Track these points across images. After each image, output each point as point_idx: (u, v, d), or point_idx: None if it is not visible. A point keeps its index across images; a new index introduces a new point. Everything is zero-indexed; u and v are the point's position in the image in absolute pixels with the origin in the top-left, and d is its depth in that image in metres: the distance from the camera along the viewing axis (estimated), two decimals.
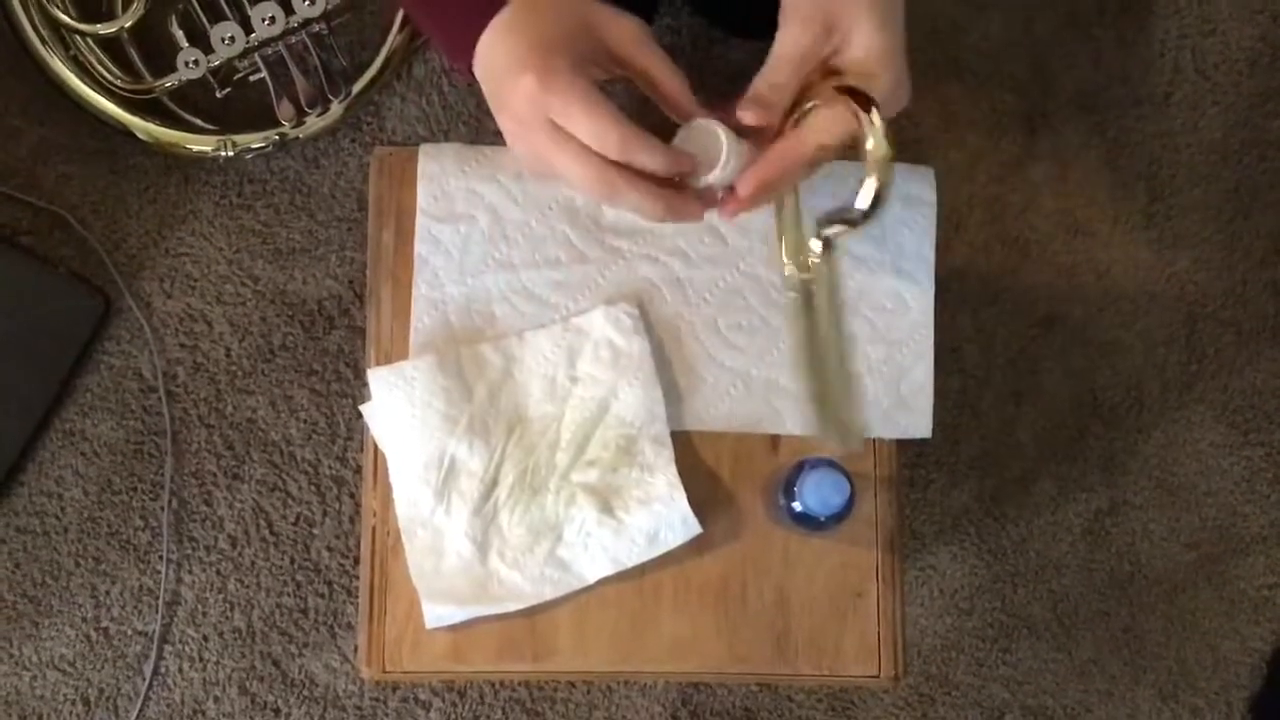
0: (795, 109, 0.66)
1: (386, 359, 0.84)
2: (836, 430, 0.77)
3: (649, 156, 0.62)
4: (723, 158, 0.64)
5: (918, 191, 0.87)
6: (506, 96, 0.63)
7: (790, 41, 0.65)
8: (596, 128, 0.60)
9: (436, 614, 0.81)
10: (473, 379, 0.83)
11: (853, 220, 0.66)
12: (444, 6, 0.67)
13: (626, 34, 0.64)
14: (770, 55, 0.66)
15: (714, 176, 0.65)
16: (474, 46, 0.64)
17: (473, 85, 0.66)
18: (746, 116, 0.65)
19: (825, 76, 0.66)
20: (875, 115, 0.62)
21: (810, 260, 0.71)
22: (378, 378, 0.82)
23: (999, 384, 1.37)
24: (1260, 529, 1.39)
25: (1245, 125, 1.41)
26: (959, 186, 1.37)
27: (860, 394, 0.84)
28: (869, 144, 0.63)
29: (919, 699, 1.35)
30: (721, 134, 0.64)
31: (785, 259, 0.74)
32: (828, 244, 0.70)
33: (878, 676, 0.84)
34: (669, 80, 0.65)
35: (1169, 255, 1.40)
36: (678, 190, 0.66)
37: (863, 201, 0.64)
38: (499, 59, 0.63)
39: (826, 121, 0.64)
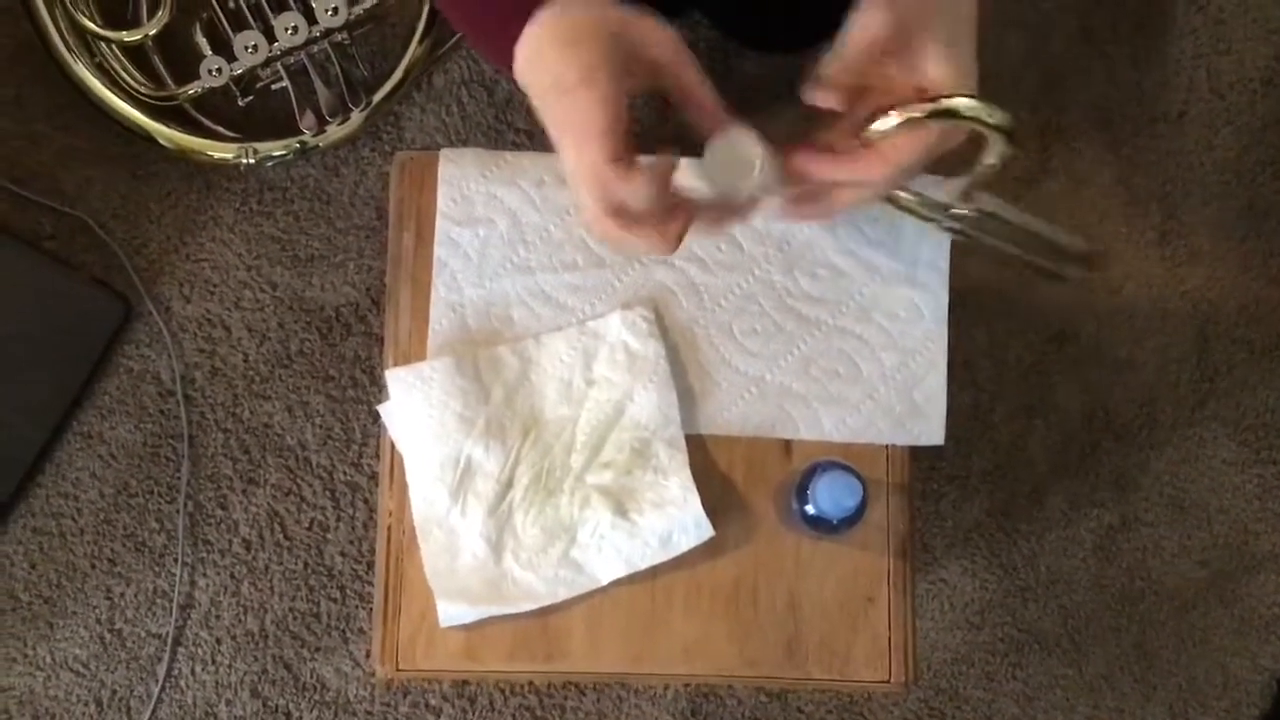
0: (865, 124, 0.65)
1: (405, 360, 0.85)
2: (1067, 269, 0.84)
3: (631, 193, 0.61)
4: (758, 166, 0.63)
5: None
6: (546, 111, 0.63)
7: (864, 25, 0.63)
8: (592, 194, 0.62)
9: (450, 613, 0.81)
10: (490, 381, 0.83)
11: (985, 174, 0.68)
12: (479, 9, 0.67)
13: (664, 42, 0.63)
14: (842, 38, 0.64)
15: (751, 185, 0.64)
16: (512, 52, 0.64)
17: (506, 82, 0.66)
18: (814, 97, 0.64)
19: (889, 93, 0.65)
20: (959, 100, 0.62)
21: (963, 212, 0.76)
22: (396, 378, 0.83)
23: (1011, 399, 1.37)
24: (1272, 547, 1.39)
25: (1259, 144, 1.41)
26: None
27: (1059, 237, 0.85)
28: (964, 109, 0.62)
29: (929, 712, 1.35)
30: (757, 143, 0.63)
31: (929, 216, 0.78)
32: (970, 195, 0.74)
33: (888, 682, 0.84)
34: (701, 91, 0.65)
35: (1182, 272, 1.40)
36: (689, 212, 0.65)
37: (991, 158, 0.66)
38: (534, 76, 0.62)
39: (899, 149, 0.64)
